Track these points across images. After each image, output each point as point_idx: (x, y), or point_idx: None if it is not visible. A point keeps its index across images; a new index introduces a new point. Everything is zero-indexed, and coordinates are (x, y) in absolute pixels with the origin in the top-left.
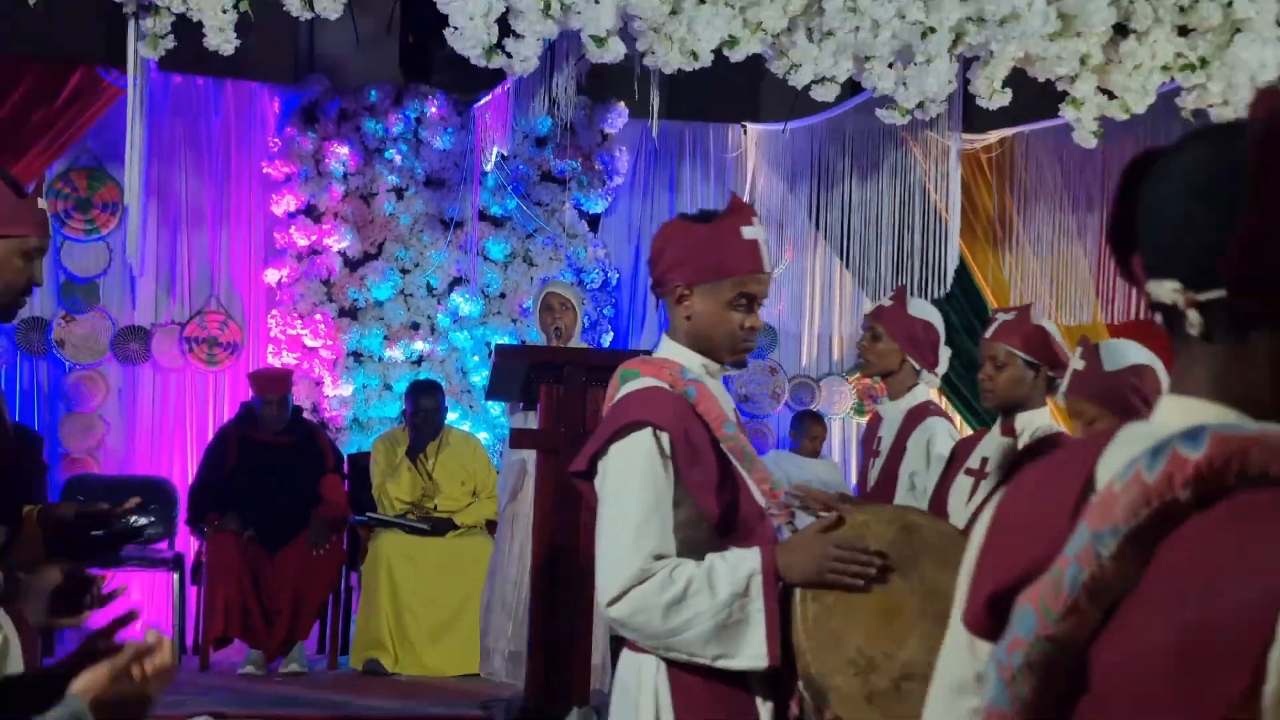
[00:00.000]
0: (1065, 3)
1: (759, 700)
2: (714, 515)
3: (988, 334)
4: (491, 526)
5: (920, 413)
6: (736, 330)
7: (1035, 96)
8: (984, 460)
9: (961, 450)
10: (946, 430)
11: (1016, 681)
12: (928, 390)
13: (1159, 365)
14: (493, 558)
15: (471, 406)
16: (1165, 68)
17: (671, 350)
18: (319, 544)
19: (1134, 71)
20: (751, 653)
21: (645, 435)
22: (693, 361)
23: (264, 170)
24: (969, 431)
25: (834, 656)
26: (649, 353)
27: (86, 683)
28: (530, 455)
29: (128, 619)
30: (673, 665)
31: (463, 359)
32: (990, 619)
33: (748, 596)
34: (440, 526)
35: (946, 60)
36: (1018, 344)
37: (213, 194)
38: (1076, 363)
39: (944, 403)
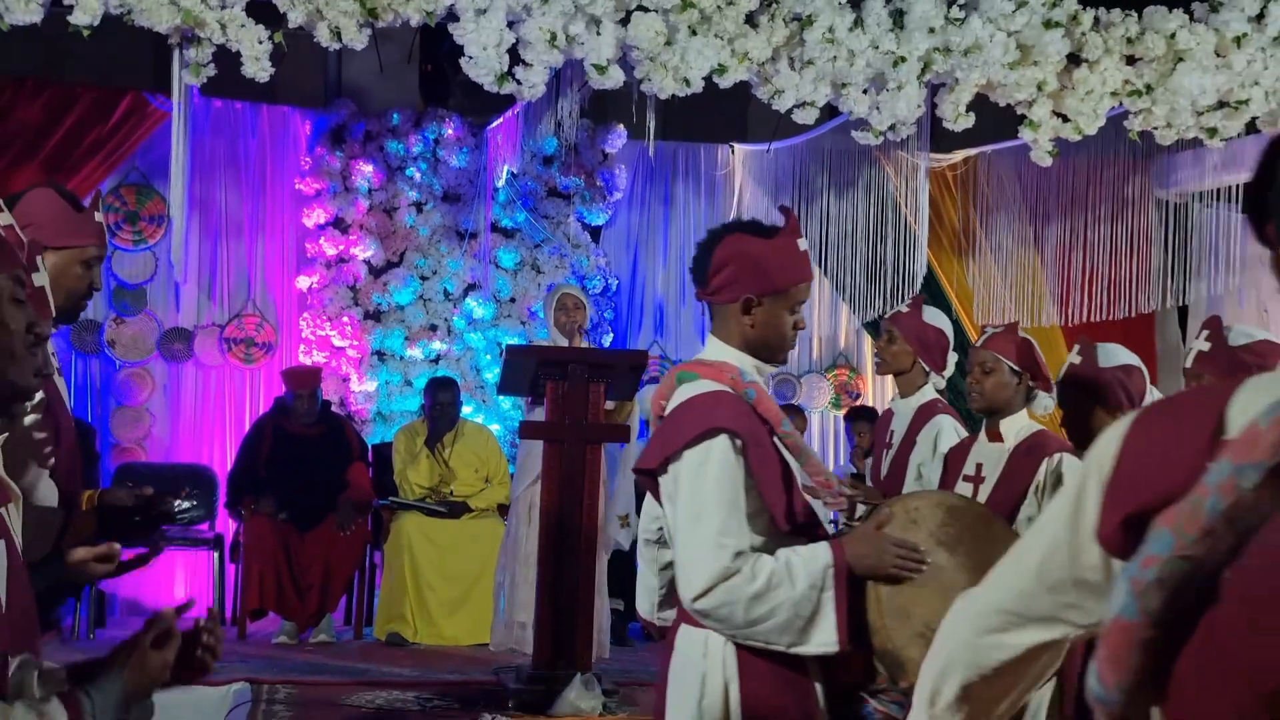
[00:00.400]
0: (1023, 35)
1: (814, 678)
2: (779, 508)
3: (979, 343)
4: (502, 510)
5: (930, 409)
6: (789, 333)
7: (996, 119)
8: (979, 466)
9: (954, 457)
10: (952, 426)
11: (1147, 594)
12: (934, 389)
13: (1144, 368)
14: (509, 538)
15: (484, 401)
16: (1114, 94)
17: (726, 353)
18: (346, 525)
19: (1085, 97)
20: (822, 639)
21: (721, 441)
22: (746, 363)
23: (296, 186)
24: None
25: (905, 630)
26: (646, 354)
27: (124, 658)
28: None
29: (186, 607)
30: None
31: (476, 358)
32: (1124, 538)
33: (823, 588)
34: (456, 509)
35: (916, 87)
36: (1007, 353)
37: (250, 208)
38: (1074, 358)
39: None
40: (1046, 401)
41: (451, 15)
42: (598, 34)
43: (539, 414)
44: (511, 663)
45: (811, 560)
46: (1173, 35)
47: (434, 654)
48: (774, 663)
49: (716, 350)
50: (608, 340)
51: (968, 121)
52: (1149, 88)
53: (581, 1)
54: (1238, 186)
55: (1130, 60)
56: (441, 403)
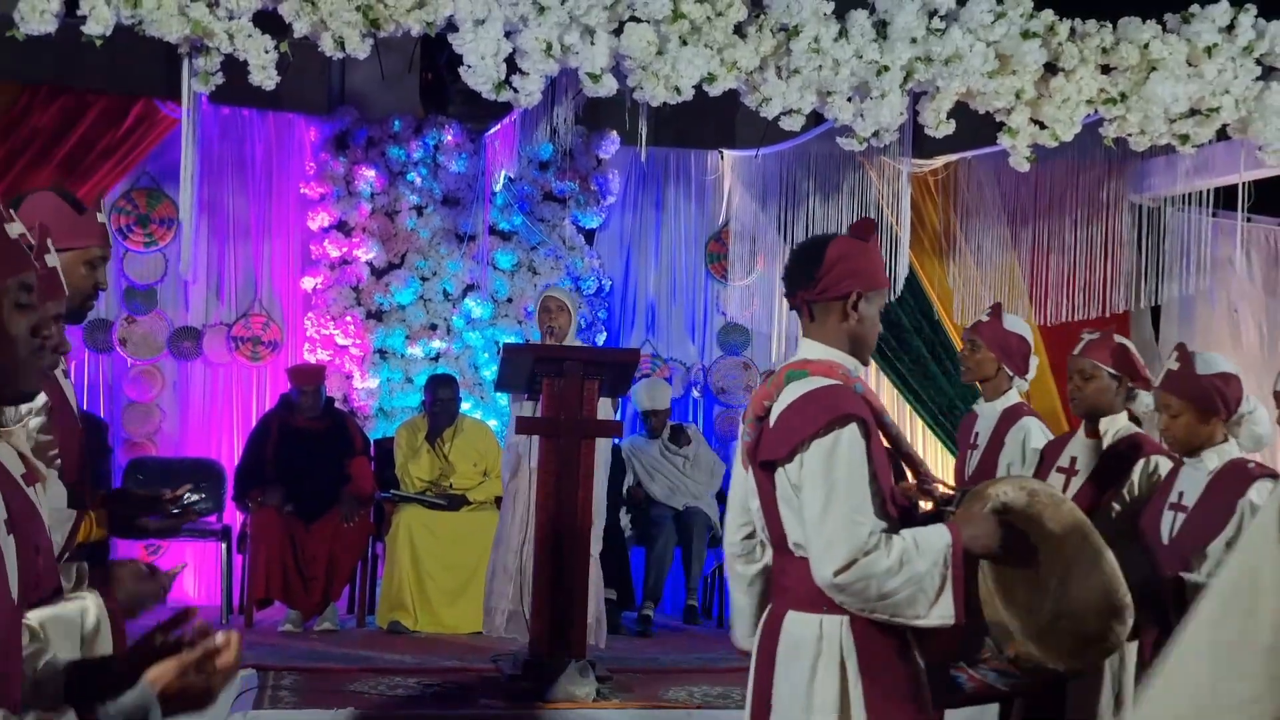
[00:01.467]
0: (1002, 45)
1: (915, 651)
2: (890, 491)
3: (1076, 351)
4: (499, 502)
5: (1016, 412)
6: (878, 331)
7: (976, 126)
8: (1073, 459)
9: (1050, 451)
10: (1039, 428)
11: None
12: (1017, 393)
13: (1242, 377)
14: (497, 529)
15: (483, 397)
16: (1089, 101)
17: (829, 353)
18: (349, 517)
19: (1062, 105)
20: (941, 613)
21: (850, 427)
22: (848, 361)
23: (301, 190)
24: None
25: (1009, 603)
26: (638, 352)
27: (157, 674)
28: (526, 438)
29: (186, 616)
30: (855, 621)
31: (475, 356)
32: None
33: (945, 565)
34: (455, 502)
35: (898, 95)
36: (1105, 359)
37: (256, 211)
38: (1172, 364)
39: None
40: (1147, 399)
41: (451, 26)
42: (592, 44)
43: (518, 408)
44: (508, 650)
45: (933, 540)
46: (1146, 45)
47: (434, 642)
48: (886, 639)
49: (818, 350)
50: (601, 339)
51: (948, 128)
52: (1123, 96)
53: (576, 12)
54: (1209, 191)
55: (1105, 69)
56: (441, 399)
